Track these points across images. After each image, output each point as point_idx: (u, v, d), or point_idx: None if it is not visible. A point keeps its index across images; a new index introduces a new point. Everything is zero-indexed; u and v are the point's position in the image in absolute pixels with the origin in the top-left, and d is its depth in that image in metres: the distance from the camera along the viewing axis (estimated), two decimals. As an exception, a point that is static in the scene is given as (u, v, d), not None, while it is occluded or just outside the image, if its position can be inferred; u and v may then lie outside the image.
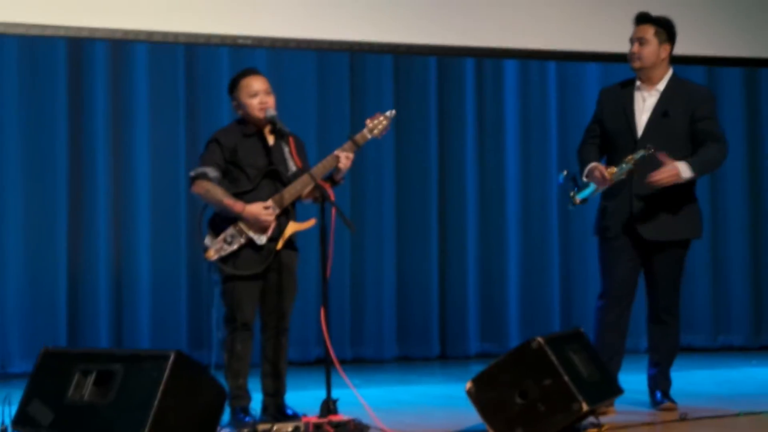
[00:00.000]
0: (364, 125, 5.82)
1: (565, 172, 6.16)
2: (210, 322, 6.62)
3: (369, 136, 5.80)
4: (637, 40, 6.13)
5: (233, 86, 5.82)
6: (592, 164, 6.07)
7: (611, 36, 7.87)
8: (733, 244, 9.39)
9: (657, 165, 5.93)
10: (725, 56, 8.39)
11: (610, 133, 6.19)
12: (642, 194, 6.03)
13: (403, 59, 8.75)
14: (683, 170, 5.95)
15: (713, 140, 6.07)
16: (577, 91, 9.14)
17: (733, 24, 8.32)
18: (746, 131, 9.34)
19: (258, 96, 5.74)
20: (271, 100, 5.78)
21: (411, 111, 8.78)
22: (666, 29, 6.15)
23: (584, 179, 6.10)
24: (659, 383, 6.21)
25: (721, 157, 6.16)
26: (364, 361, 8.63)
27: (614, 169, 5.99)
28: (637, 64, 6.14)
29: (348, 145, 5.74)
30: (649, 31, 6.11)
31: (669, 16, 6.20)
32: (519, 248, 9.03)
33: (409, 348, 8.81)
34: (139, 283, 8.15)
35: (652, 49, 6.11)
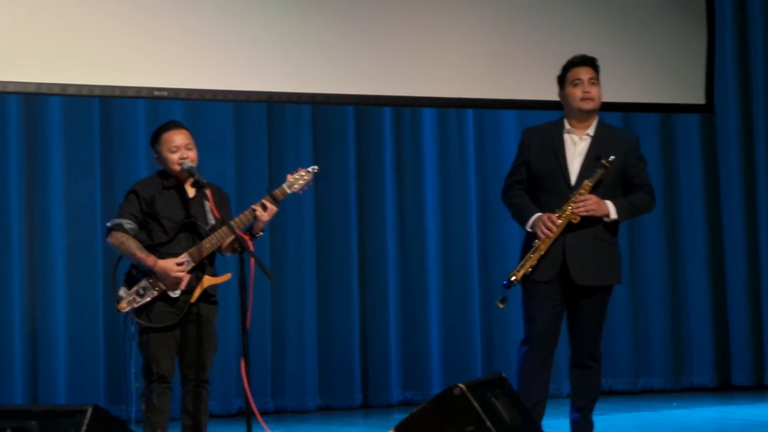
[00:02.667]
0: (284, 178, 5.80)
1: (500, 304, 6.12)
2: (128, 376, 6.54)
3: (288, 191, 5.78)
4: (588, 80, 6.12)
5: (155, 139, 5.82)
6: (538, 215, 6.06)
7: (528, 84, 7.96)
8: (652, 289, 9.47)
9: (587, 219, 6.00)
10: (640, 102, 8.50)
11: (539, 176, 6.14)
12: (574, 240, 6.04)
13: (321, 109, 8.76)
14: (611, 209, 6.01)
15: (646, 193, 6.14)
16: (495, 138, 9.19)
17: (647, 71, 8.43)
18: (662, 177, 9.43)
19: (179, 151, 5.73)
20: (192, 155, 5.77)
21: (330, 161, 8.78)
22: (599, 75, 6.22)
23: (528, 229, 6.09)
24: (582, 428, 6.21)
25: (648, 208, 6.22)
26: (286, 412, 8.57)
27: (561, 214, 5.99)
28: (590, 105, 6.11)
29: (266, 199, 5.72)
30: (596, 74, 6.16)
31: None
32: (440, 295, 9.03)
33: (331, 398, 8.76)
34: (55, 336, 8.03)
35: (600, 90, 6.16)
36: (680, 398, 9.01)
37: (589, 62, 6.19)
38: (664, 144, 9.55)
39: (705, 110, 8.73)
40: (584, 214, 5.97)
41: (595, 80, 6.14)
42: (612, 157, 5.99)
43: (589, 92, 6.12)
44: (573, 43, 7.95)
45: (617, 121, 8.99)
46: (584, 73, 6.14)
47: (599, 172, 6.00)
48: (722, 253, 9.58)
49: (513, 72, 8.09)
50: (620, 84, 8.20)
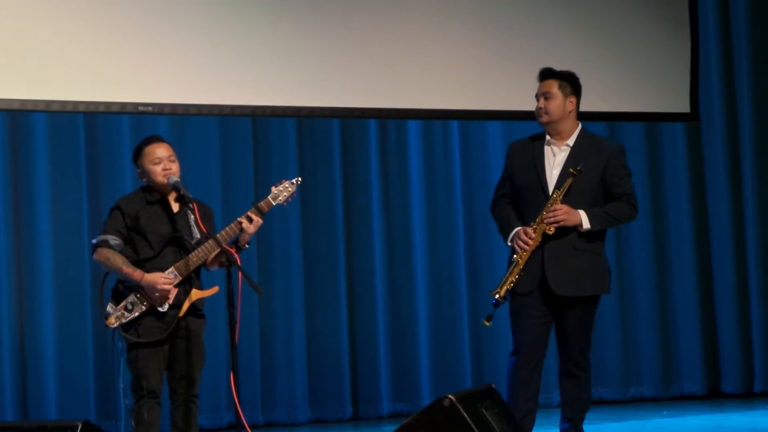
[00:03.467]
0: (269, 191, 5.81)
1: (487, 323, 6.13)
2: (117, 391, 6.52)
3: (273, 203, 5.79)
4: (542, 95, 6.15)
5: (137, 154, 5.83)
6: (516, 230, 6.08)
7: (513, 94, 7.97)
8: (640, 297, 9.47)
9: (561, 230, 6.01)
10: (625, 111, 8.51)
11: (519, 188, 6.19)
12: (553, 251, 6.05)
13: (306, 122, 8.75)
14: (583, 219, 6.02)
15: (625, 202, 6.14)
16: (481, 149, 9.18)
17: (631, 79, 8.45)
18: (649, 186, 9.44)
19: (162, 163, 5.73)
20: (174, 167, 5.77)
21: (316, 173, 8.78)
22: (570, 82, 6.19)
23: (508, 244, 6.11)
24: (572, 437, 6.22)
25: (628, 218, 6.21)
26: (276, 425, 8.55)
27: (536, 226, 6.01)
28: (544, 119, 6.15)
29: (252, 211, 5.72)
30: (554, 86, 6.15)
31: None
32: (428, 307, 9.02)
33: (321, 410, 8.74)
34: (44, 352, 8.01)
35: (558, 102, 6.15)
36: (670, 406, 9.01)
37: (545, 75, 6.21)
38: (650, 153, 9.56)
39: (690, 118, 8.74)
40: (555, 224, 5.99)
41: (552, 91, 6.14)
42: (579, 166, 6.00)
43: (541, 107, 6.15)
44: (558, 52, 7.98)
45: (602, 130, 9.00)
46: (540, 87, 6.19)
47: (568, 181, 6.02)
48: (710, 260, 9.59)
49: (498, 83, 8.10)
50: (605, 93, 8.23)
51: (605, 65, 8.30)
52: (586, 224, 6.03)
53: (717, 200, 9.57)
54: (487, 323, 6.06)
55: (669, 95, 8.55)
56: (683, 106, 8.58)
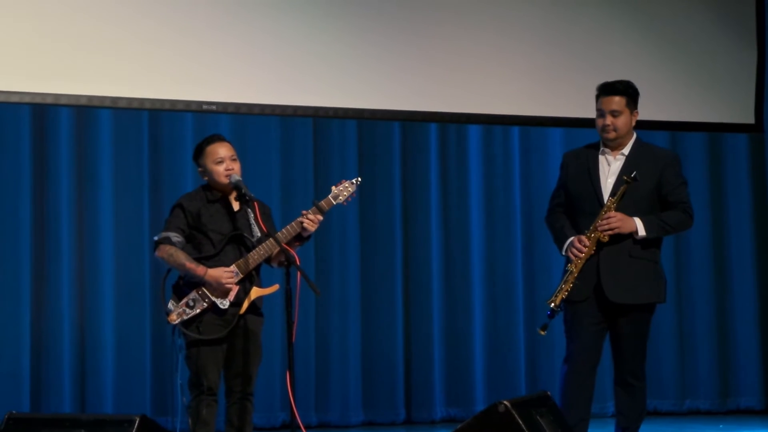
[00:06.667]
0: (328, 191, 5.84)
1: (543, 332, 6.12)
2: (174, 387, 6.57)
3: (334, 203, 5.83)
4: (610, 113, 6.10)
5: (199, 153, 5.86)
6: (570, 239, 6.08)
7: (574, 102, 7.94)
8: (699, 309, 9.41)
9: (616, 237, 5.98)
10: (688, 121, 8.46)
11: (574, 197, 6.19)
12: (609, 258, 6.03)
13: (367, 124, 8.77)
14: (639, 226, 6.00)
15: (681, 210, 6.11)
16: (541, 155, 9.17)
17: (695, 89, 8.39)
18: (710, 197, 9.38)
19: (224, 162, 5.78)
20: (236, 166, 5.81)
21: (375, 176, 8.79)
22: (633, 97, 6.17)
23: (563, 254, 6.11)
24: (627, 447, 6.19)
25: (683, 226, 6.19)
26: (329, 426, 8.57)
27: (590, 234, 6.00)
28: (612, 135, 6.11)
29: (312, 210, 5.76)
30: (621, 102, 6.10)
31: (630, 80, 6.25)
32: (484, 312, 9.01)
33: (374, 413, 8.76)
34: (103, 347, 8.09)
35: (625, 119, 6.12)
36: (727, 420, 8.94)
37: (612, 91, 6.15)
38: (712, 164, 9.49)
39: (754, 130, 8.66)
40: (609, 232, 5.97)
41: (620, 108, 6.11)
42: (634, 173, 5.98)
43: (609, 124, 6.11)
44: (620, 59, 7.96)
45: (664, 140, 8.95)
46: (606, 104, 6.13)
47: (622, 189, 6.00)
48: (771, 273, 9.52)
49: (560, 89, 8.08)
50: (668, 102, 8.18)
51: (669, 74, 8.25)
52: (642, 231, 6.01)
53: (779, 213, 9.49)
54: (543, 332, 6.05)
55: (733, 106, 8.49)
56: (747, 117, 8.51)
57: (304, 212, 5.76)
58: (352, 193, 5.87)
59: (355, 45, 7.65)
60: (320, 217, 5.76)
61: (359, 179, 5.92)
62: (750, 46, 8.52)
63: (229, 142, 5.91)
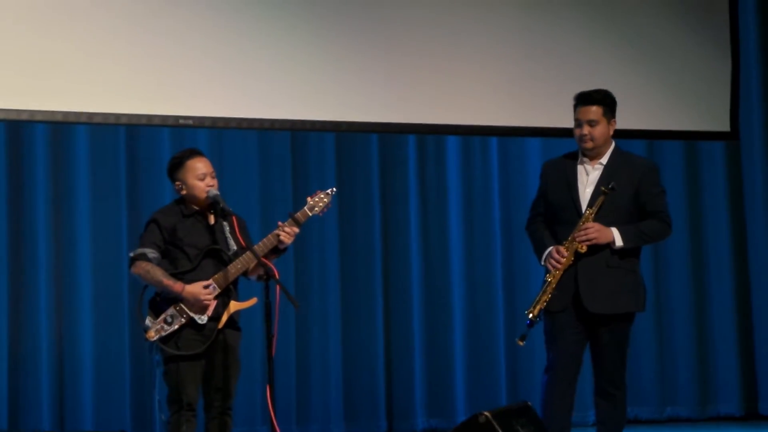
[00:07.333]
0: (305, 203, 5.84)
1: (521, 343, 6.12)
2: (153, 404, 6.55)
3: (310, 214, 5.83)
4: (587, 122, 6.10)
5: (177, 167, 5.83)
6: (549, 249, 6.09)
7: (552, 111, 7.95)
8: (678, 316, 9.43)
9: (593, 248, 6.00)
10: (665, 129, 8.48)
11: (553, 206, 6.19)
12: (587, 269, 6.04)
13: (345, 137, 8.77)
14: (616, 237, 6.01)
15: (659, 220, 6.13)
16: (519, 166, 9.18)
17: (671, 98, 8.42)
18: (687, 204, 9.40)
19: (206, 178, 5.76)
20: (215, 182, 5.81)
21: (354, 188, 8.80)
22: (610, 106, 6.17)
23: (542, 264, 6.12)
24: (607, 456, 6.19)
25: (661, 236, 6.20)
26: (310, 439, 8.58)
27: (567, 245, 6.01)
28: (590, 145, 6.11)
29: (288, 222, 5.76)
30: (598, 112, 6.10)
31: (608, 89, 6.26)
32: (464, 323, 9.02)
33: (356, 425, 8.75)
34: (82, 363, 8.06)
35: (603, 129, 6.12)
36: (707, 427, 8.96)
37: (589, 100, 6.13)
38: (689, 171, 9.51)
39: (730, 137, 8.70)
40: (587, 242, 5.98)
41: (597, 118, 6.10)
42: (611, 184, 5.99)
43: (586, 134, 6.12)
44: (597, 69, 7.98)
45: (641, 149, 8.98)
46: (583, 113, 6.13)
47: (600, 199, 6.01)
48: (748, 280, 9.53)
49: (537, 100, 8.09)
50: (644, 111, 8.21)
51: (646, 83, 8.28)
52: (619, 241, 6.02)
53: (756, 220, 9.51)
54: (521, 343, 6.05)
55: (709, 114, 8.52)
56: (723, 125, 8.55)
57: (281, 224, 5.77)
58: (328, 204, 5.88)
59: (331, 58, 7.65)
60: (296, 230, 5.76)
61: (334, 189, 5.94)
62: (725, 55, 8.56)
63: (205, 156, 5.91)
